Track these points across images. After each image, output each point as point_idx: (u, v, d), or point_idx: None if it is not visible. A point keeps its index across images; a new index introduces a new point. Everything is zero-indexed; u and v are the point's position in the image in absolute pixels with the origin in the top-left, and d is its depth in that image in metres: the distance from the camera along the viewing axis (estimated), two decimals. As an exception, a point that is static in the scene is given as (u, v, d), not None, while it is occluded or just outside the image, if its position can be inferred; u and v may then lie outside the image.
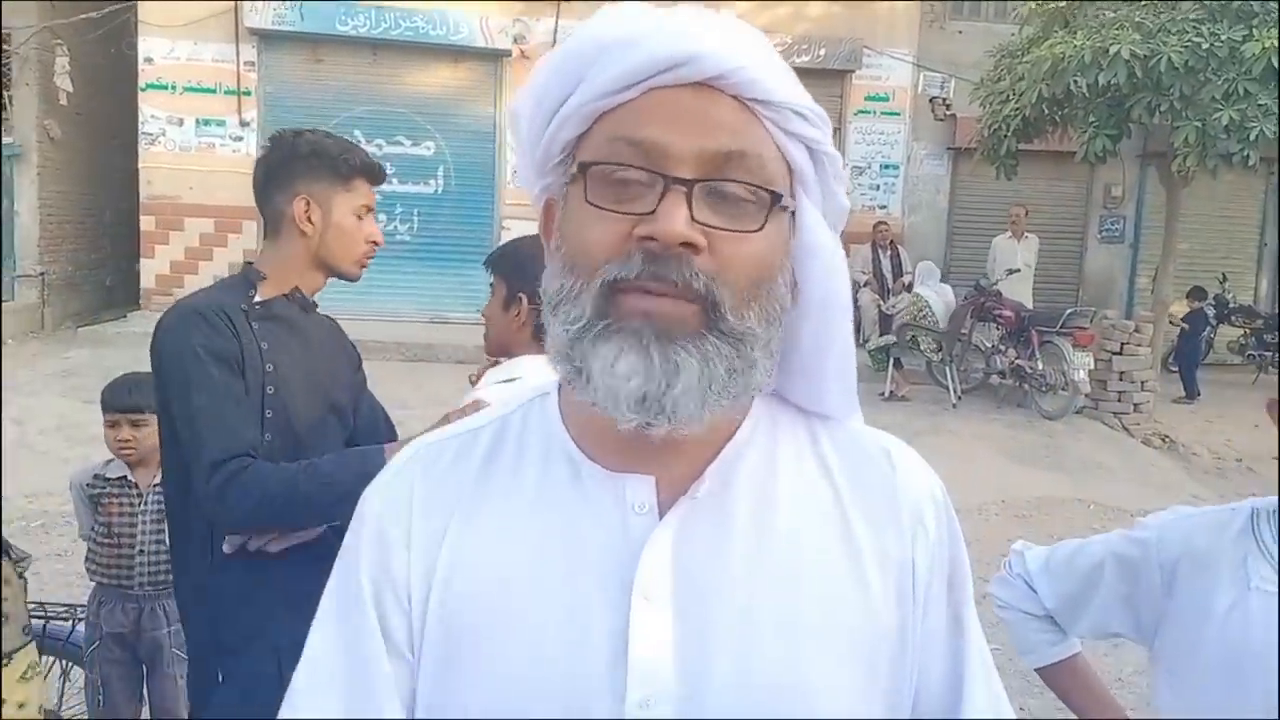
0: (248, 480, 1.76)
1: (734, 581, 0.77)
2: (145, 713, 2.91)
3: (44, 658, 3.02)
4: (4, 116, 10.76)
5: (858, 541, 0.81)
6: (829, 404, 0.88)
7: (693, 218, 0.72)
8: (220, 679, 1.90)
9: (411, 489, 0.85)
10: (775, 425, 0.86)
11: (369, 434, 2.17)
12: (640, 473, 0.80)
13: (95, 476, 2.88)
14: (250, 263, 2.05)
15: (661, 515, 0.79)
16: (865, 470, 0.85)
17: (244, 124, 11.04)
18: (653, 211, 0.72)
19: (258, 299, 1.97)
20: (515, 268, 2.05)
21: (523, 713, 0.75)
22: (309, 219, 1.99)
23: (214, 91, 11.13)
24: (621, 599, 0.76)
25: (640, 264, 0.72)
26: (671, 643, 0.75)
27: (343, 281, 2.13)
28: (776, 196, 0.76)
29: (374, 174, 2.06)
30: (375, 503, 0.86)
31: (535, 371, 1.87)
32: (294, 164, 2.00)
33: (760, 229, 0.75)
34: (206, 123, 11.09)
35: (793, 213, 0.80)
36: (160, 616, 2.78)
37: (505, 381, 1.98)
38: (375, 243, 2.07)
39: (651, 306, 0.73)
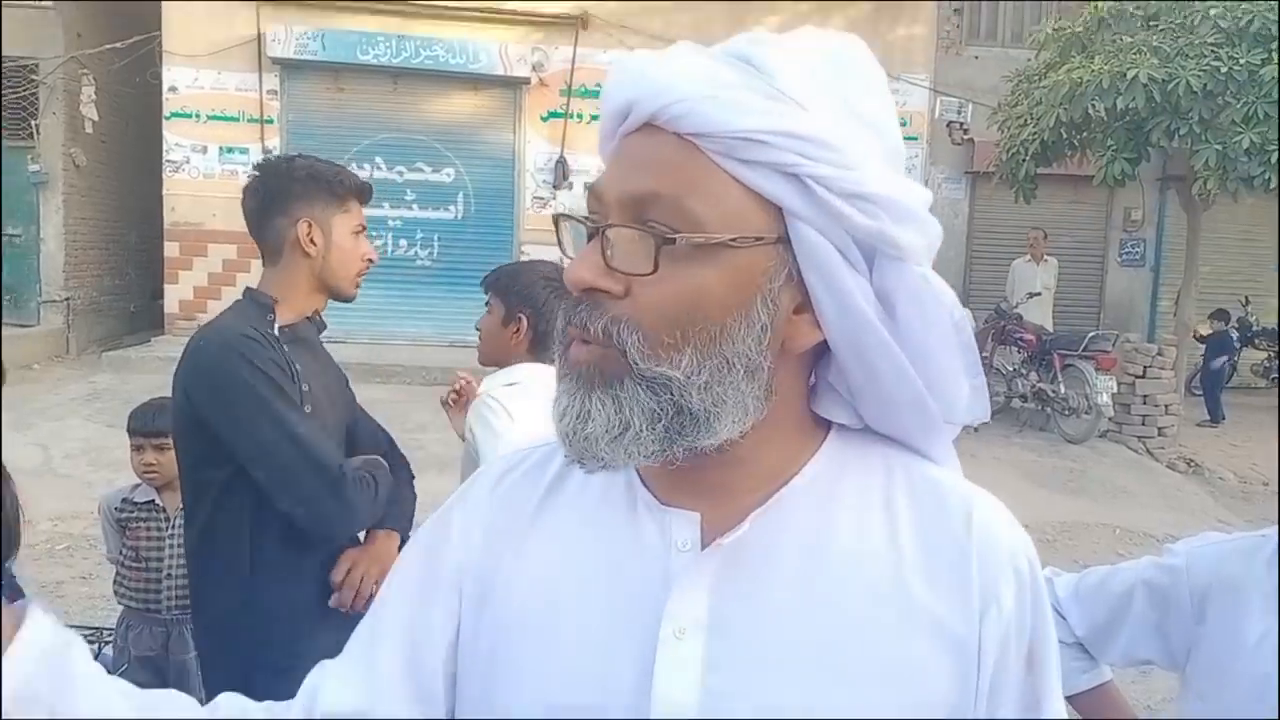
0: (361, 482, 1.95)
1: (769, 631, 0.76)
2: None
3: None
4: (31, 145, 10.94)
5: (914, 610, 0.76)
6: (908, 428, 0.82)
7: (609, 264, 0.73)
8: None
9: (487, 497, 0.89)
10: (845, 469, 0.81)
11: (372, 443, 2.30)
12: (689, 508, 0.79)
13: (123, 501, 2.90)
14: (250, 289, 2.09)
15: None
16: (938, 530, 0.79)
17: (267, 152, 11.16)
18: None
19: (281, 324, 2.03)
20: (515, 290, 2.33)
21: None
22: (312, 241, 2.04)
23: (237, 120, 11.28)
24: (652, 634, 0.76)
25: (565, 311, 0.77)
26: (698, 683, 0.74)
27: (358, 305, 2.21)
28: (666, 238, 0.72)
29: (365, 193, 2.16)
30: (457, 500, 0.91)
31: (531, 376, 2.28)
32: (293, 188, 2.05)
33: (653, 271, 0.72)
34: (230, 150, 11.23)
35: (786, 244, 0.74)
36: (188, 640, 2.77)
37: (508, 386, 2.28)
38: (371, 260, 2.15)
39: (578, 354, 0.76)
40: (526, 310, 2.33)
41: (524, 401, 2.17)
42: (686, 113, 0.72)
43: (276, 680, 1.93)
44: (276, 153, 11.07)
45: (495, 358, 2.41)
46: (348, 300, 2.15)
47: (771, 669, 0.75)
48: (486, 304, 2.41)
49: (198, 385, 1.91)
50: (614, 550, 0.81)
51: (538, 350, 2.34)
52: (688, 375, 0.73)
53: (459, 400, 2.56)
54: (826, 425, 0.84)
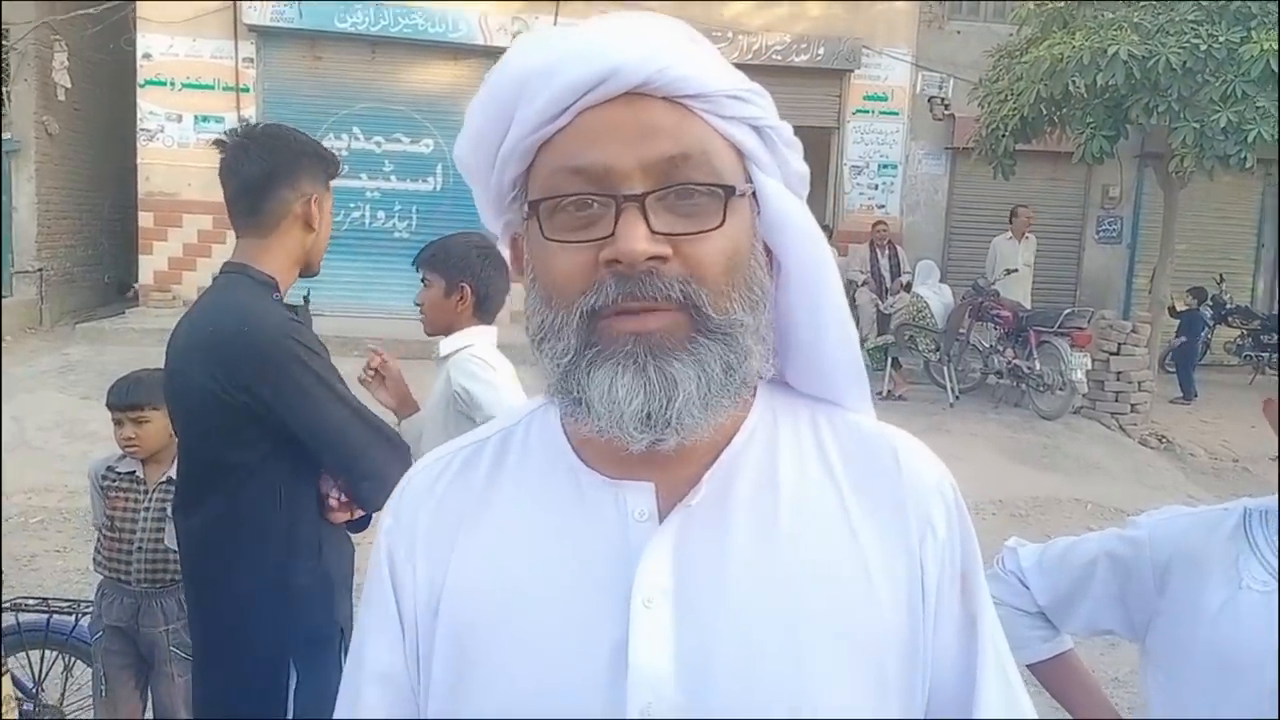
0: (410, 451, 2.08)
1: (734, 588, 0.77)
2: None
3: (47, 653, 3.04)
4: (2, 112, 10.75)
5: (862, 544, 0.80)
6: (837, 388, 0.87)
7: (652, 230, 0.73)
8: (293, 669, 1.94)
9: (419, 505, 0.87)
10: (777, 422, 0.85)
11: None
12: (640, 479, 0.80)
13: (108, 469, 2.90)
14: (243, 265, 2.02)
15: (662, 522, 0.79)
16: (870, 470, 0.83)
17: (243, 121, 11.02)
18: (612, 234, 0.73)
19: (293, 302, 2.05)
20: (453, 263, 2.55)
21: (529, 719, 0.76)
22: (315, 216, 2.04)
23: (212, 88, 11.12)
24: (622, 607, 0.76)
25: (613, 288, 0.73)
26: (672, 649, 0.75)
27: (336, 277, 2.24)
28: (730, 189, 0.76)
29: (338, 173, 2.19)
30: (388, 521, 0.89)
31: (480, 335, 2.58)
32: (301, 162, 2.03)
33: (721, 224, 0.75)
34: (205, 119, 11.07)
35: (753, 192, 0.80)
36: (157, 614, 2.77)
37: (461, 349, 2.53)
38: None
39: (637, 326, 0.73)
40: (467, 279, 2.55)
41: (496, 355, 2.53)
42: (680, 76, 0.75)
43: (315, 650, 1.95)
44: (253, 122, 10.94)
45: (442, 327, 2.61)
46: (314, 276, 2.18)
47: (739, 626, 0.76)
48: (423, 280, 2.62)
49: (248, 369, 1.86)
50: (570, 533, 0.80)
51: (480, 313, 2.59)
52: (749, 315, 0.77)
53: (378, 376, 2.70)
54: None
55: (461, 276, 2.55)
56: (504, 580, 0.80)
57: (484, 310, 2.60)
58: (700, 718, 0.74)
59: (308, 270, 2.13)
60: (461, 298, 2.56)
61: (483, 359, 2.47)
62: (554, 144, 0.76)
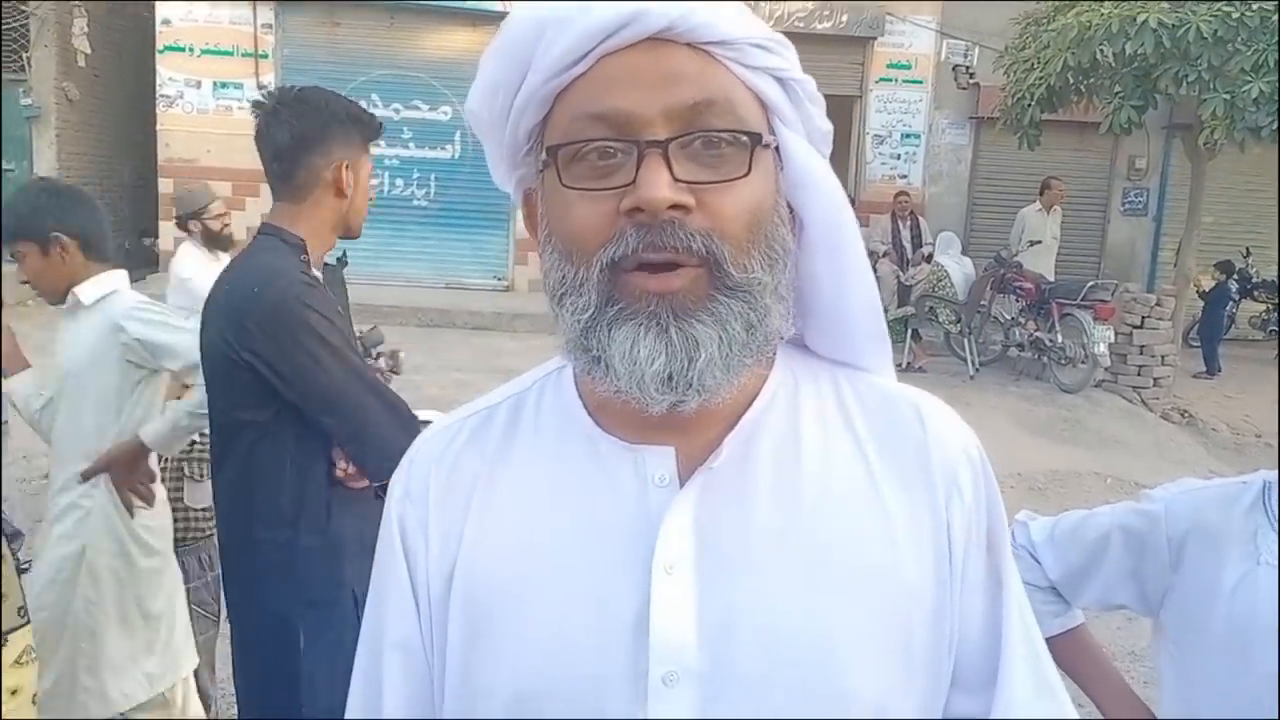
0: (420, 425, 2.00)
1: (757, 552, 0.75)
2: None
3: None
4: (23, 78, 10.77)
5: (887, 507, 0.78)
6: (859, 351, 0.85)
7: (675, 178, 0.70)
8: (302, 636, 1.94)
9: (429, 473, 0.85)
10: (798, 385, 0.83)
11: None
12: (659, 444, 0.78)
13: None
14: (274, 226, 2.03)
15: (682, 486, 0.77)
16: (894, 431, 0.82)
17: (261, 87, 10.99)
18: (633, 181, 0.71)
19: (317, 265, 2.03)
20: (32, 221, 2.38)
21: (545, 689, 0.75)
22: (347, 183, 2.03)
23: (231, 54, 11.10)
24: (643, 572, 0.75)
25: (634, 238, 0.71)
26: (694, 616, 0.74)
27: (354, 244, 2.21)
28: (756, 137, 0.74)
29: (380, 135, 2.14)
30: (398, 490, 0.87)
31: (118, 279, 2.50)
32: (334, 129, 2.01)
33: (747, 174, 0.73)
34: (224, 85, 11.07)
35: (776, 147, 0.78)
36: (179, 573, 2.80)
37: (108, 295, 2.41)
38: (370, 199, 2.18)
39: (660, 286, 0.71)
40: (57, 229, 2.37)
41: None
42: (704, 22, 0.72)
43: (319, 613, 1.96)
44: (271, 88, 10.90)
45: (63, 289, 2.45)
46: (355, 239, 2.16)
47: (762, 591, 0.74)
48: (12, 256, 2.43)
49: (255, 330, 1.86)
50: (589, 498, 0.79)
51: (92, 254, 2.44)
52: (768, 273, 0.74)
53: None
54: None
55: (51, 229, 2.36)
56: (521, 547, 0.79)
57: (95, 250, 2.45)
58: (722, 685, 0.73)
59: (347, 234, 2.11)
60: (62, 249, 2.40)
61: (148, 303, 2.39)
62: (573, 91, 0.74)
